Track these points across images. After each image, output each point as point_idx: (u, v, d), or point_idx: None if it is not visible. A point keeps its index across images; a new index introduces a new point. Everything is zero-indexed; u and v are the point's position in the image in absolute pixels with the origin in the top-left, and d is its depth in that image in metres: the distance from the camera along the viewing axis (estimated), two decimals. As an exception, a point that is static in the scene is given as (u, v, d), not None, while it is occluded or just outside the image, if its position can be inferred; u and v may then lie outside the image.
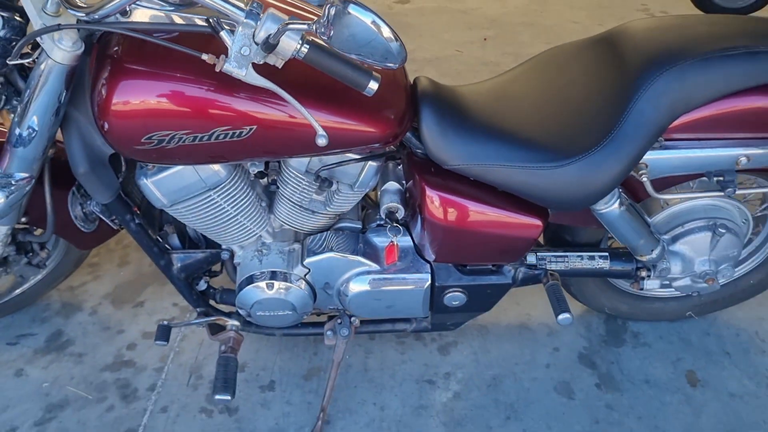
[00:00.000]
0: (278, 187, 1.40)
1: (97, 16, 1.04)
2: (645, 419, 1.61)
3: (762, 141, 1.34)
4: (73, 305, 1.92)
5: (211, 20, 1.04)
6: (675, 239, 1.56)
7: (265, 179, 1.45)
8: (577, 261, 1.56)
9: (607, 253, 1.57)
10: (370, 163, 1.35)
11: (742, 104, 1.30)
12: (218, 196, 1.34)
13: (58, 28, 1.04)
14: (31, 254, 1.64)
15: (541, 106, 1.39)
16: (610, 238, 1.66)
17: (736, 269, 1.75)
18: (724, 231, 1.52)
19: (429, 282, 1.47)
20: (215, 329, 1.56)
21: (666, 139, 1.34)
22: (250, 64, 1.02)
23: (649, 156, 1.34)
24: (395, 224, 1.42)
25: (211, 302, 1.63)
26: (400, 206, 1.40)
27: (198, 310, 1.59)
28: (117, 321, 1.87)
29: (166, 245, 1.52)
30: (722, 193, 1.39)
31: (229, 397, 1.42)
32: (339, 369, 1.59)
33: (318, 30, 0.94)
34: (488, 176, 1.34)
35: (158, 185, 1.31)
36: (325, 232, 1.49)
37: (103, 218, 1.46)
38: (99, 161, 1.28)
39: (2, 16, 1.18)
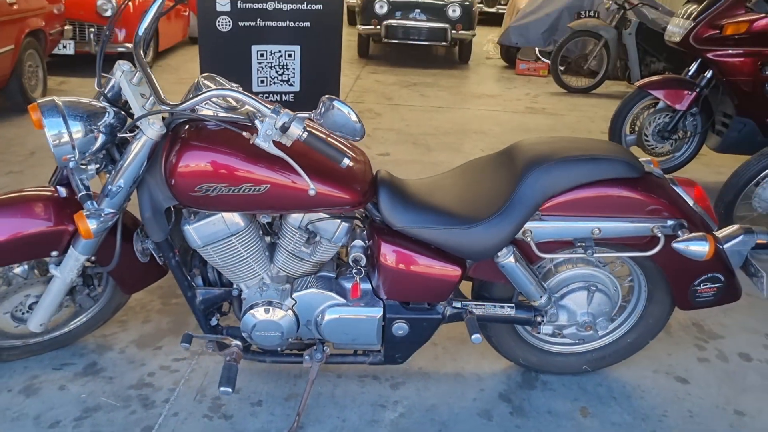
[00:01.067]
0: (278, 239, 2.01)
1: (178, 109, 1.72)
2: (544, 435, 2.11)
3: (607, 218, 1.99)
4: (105, 346, 2.43)
5: (249, 114, 1.71)
6: (562, 297, 2.16)
7: (269, 237, 2.07)
8: (491, 308, 2.14)
9: (513, 304, 2.16)
10: (343, 223, 1.97)
11: (589, 193, 1.97)
12: (237, 241, 1.94)
13: (159, 112, 1.71)
14: (91, 287, 2.20)
15: (460, 192, 2.05)
16: (520, 298, 2.24)
17: (616, 330, 2.33)
18: (595, 289, 2.13)
19: (381, 313, 2.04)
20: (222, 347, 2.09)
21: (543, 214, 1.98)
22: (271, 141, 1.68)
23: (532, 225, 1.98)
24: (359, 268, 2.01)
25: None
26: (363, 256, 2.01)
27: (209, 337, 2.14)
28: (140, 358, 2.38)
29: (192, 283, 2.09)
30: (585, 254, 2.02)
31: (230, 390, 1.91)
32: (312, 386, 2.10)
33: (315, 117, 1.61)
34: (422, 235, 1.97)
35: (196, 230, 1.92)
36: (309, 277, 2.08)
37: (154, 253, 2.04)
38: (158, 211, 1.90)
39: (113, 110, 1.86)
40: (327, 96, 1.62)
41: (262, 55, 4.36)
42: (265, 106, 1.67)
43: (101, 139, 1.83)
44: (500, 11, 13.12)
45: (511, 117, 6.32)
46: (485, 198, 1.99)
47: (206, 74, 1.93)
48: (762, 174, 3.31)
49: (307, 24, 4.35)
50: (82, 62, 7.42)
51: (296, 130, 1.64)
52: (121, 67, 1.90)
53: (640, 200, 1.99)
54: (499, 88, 7.75)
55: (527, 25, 8.53)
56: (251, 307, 2.02)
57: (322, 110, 1.62)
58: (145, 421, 2.07)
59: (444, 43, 8.85)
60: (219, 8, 4.17)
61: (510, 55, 9.22)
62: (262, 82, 4.45)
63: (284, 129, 1.64)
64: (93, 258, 2.08)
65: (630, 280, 2.30)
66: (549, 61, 8.09)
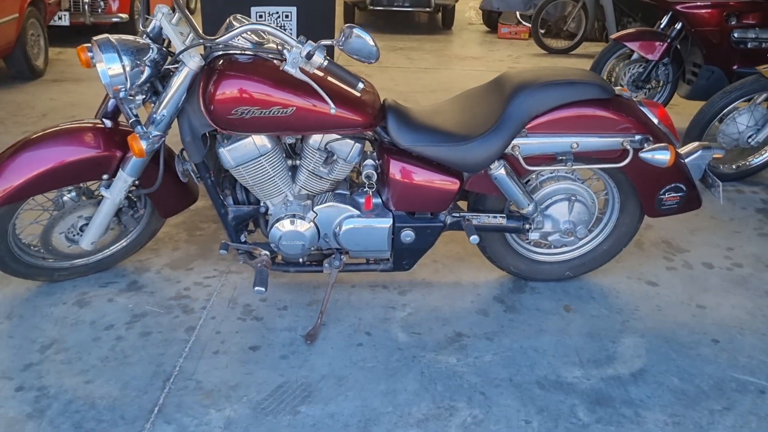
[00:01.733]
0: (300, 161, 2.31)
1: (217, 42, 2.00)
2: (534, 325, 2.45)
3: (584, 134, 2.31)
4: (142, 268, 2.73)
5: (277, 46, 2.00)
6: (547, 207, 2.49)
7: (290, 161, 2.36)
8: (486, 218, 2.46)
9: (504, 215, 2.48)
10: (356, 143, 2.27)
11: (568, 113, 2.28)
12: (265, 161, 2.23)
13: (200, 44, 2.00)
14: (134, 209, 2.49)
15: (457, 115, 2.36)
16: (510, 210, 2.57)
17: (594, 239, 2.67)
18: (575, 200, 2.46)
19: (391, 222, 2.36)
20: (252, 258, 2.40)
21: (529, 132, 2.30)
22: (298, 68, 1.97)
23: (519, 141, 2.30)
24: (371, 183, 2.32)
25: (247, 250, 2.47)
26: (374, 172, 2.31)
27: (240, 251, 2.44)
28: (175, 276, 2.68)
29: (224, 201, 2.39)
30: (566, 166, 2.34)
31: (263, 289, 2.22)
32: (332, 288, 2.41)
33: (337, 43, 1.90)
34: (425, 152, 2.27)
35: (229, 152, 2.21)
36: (328, 193, 2.38)
37: (192, 174, 2.33)
38: (196, 136, 2.19)
39: (156, 47, 2.14)
40: (348, 24, 1.91)
41: (260, 16, 4.60)
42: (291, 37, 1.95)
43: (147, 72, 2.10)
44: (481, -21, 13.32)
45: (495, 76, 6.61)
46: (479, 118, 2.30)
47: (234, 15, 2.21)
48: (724, 111, 3.65)
49: (303, -15, 4.60)
50: (77, 33, 7.58)
51: (318, 58, 1.93)
52: (161, 9, 2.17)
53: (612, 118, 2.31)
54: (482, 51, 8.03)
55: (508, -10, 8.79)
56: (277, 221, 2.32)
57: (343, 38, 1.91)
58: (188, 323, 2.38)
59: (427, 9, 9.08)
60: (219, -29, 4.41)
61: (492, 20, 9.48)
62: (261, 42, 4.70)
63: (309, 56, 1.93)
64: (137, 183, 2.37)
65: (605, 194, 2.63)
66: (530, 25, 8.37)
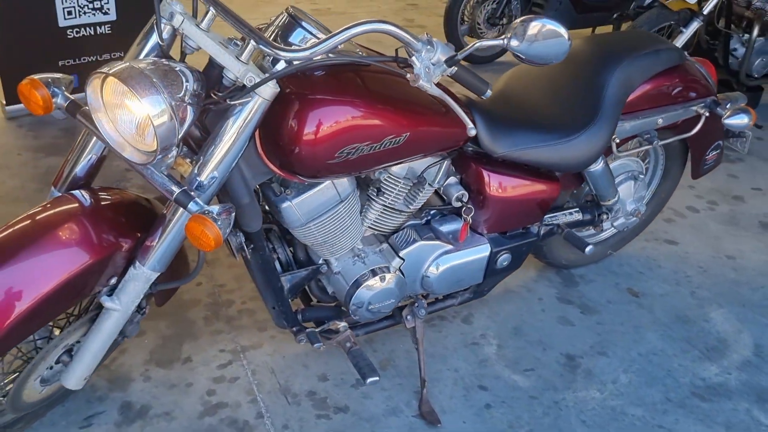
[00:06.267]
0: (374, 195, 1.70)
1: (308, 54, 1.29)
2: (625, 323, 2.20)
3: (666, 107, 2.04)
4: (120, 379, 1.89)
5: (396, 51, 1.37)
6: (612, 190, 2.21)
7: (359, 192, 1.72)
8: (563, 217, 2.10)
9: (578, 208, 2.14)
10: (445, 162, 1.74)
11: (652, 85, 1.99)
12: (344, 208, 1.60)
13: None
14: (142, 311, 1.65)
15: (543, 101, 1.91)
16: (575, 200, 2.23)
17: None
18: (642, 177, 2.21)
19: (489, 250, 1.89)
20: (327, 336, 1.77)
21: (621, 114, 1.97)
22: (432, 81, 1.37)
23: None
24: (467, 207, 1.80)
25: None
26: (465, 192, 1.80)
27: (294, 329, 1.78)
28: (177, 378, 1.90)
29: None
30: (651, 145, 2.07)
31: (377, 378, 1.65)
32: (423, 344, 1.89)
33: (509, 44, 1.32)
34: (524, 157, 1.82)
35: (301, 205, 1.54)
36: (405, 229, 1.81)
37: (245, 247, 1.59)
38: (252, 194, 1.47)
39: (188, 70, 1.32)
40: (521, 18, 1.33)
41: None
42: (415, 37, 1.34)
43: (190, 114, 1.31)
44: None
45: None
46: (573, 105, 1.89)
47: (292, 8, 1.47)
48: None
49: (118, -66, 3.54)
50: None
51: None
52: (174, 7, 1.36)
53: (689, 85, 2.07)
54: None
55: None
56: (357, 283, 1.71)
57: (524, 31, 1.31)
58: (259, 448, 1.70)
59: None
60: None
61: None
62: (70, 13, 3.57)
63: (451, 62, 1.34)
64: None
65: (646, 162, 2.43)
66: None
